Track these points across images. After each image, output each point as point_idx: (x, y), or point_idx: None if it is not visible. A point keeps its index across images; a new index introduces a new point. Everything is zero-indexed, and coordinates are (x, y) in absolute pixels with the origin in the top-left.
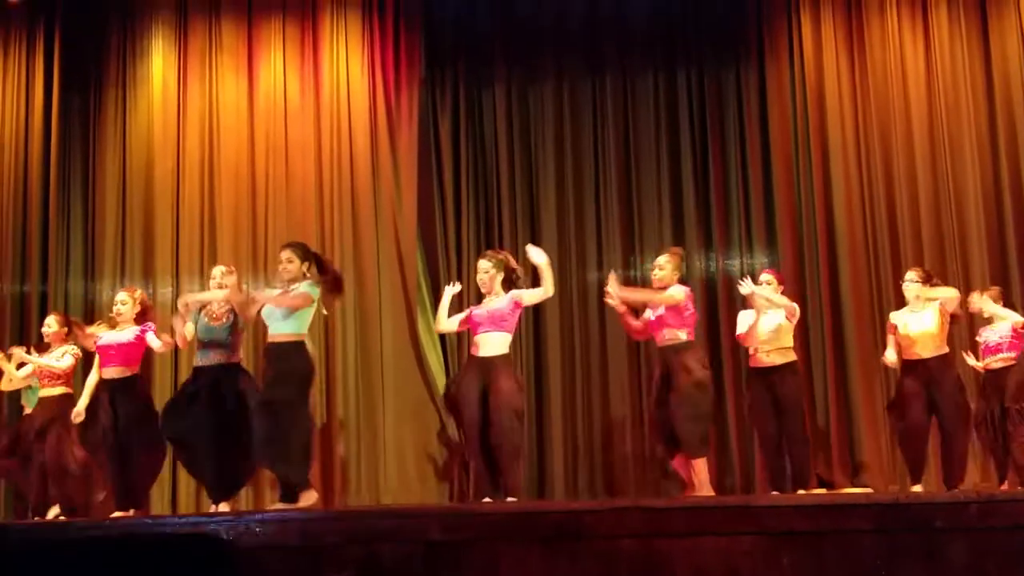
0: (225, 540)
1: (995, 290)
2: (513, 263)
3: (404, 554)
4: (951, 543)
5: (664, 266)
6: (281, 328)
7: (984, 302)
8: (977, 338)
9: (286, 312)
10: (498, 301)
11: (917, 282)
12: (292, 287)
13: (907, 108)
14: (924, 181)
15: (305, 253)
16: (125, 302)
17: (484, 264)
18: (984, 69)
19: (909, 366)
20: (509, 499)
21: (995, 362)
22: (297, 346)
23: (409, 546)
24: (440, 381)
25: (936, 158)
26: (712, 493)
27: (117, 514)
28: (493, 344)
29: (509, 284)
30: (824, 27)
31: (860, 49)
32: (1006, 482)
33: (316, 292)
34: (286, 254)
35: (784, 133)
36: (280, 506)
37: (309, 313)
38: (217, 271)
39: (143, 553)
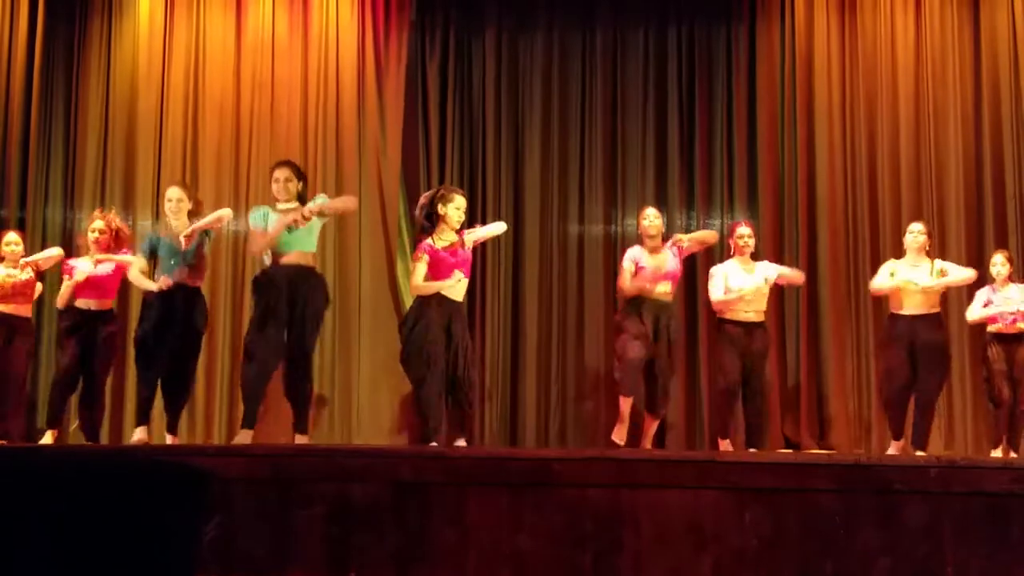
0: (199, 468)
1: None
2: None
3: (373, 494)
4: (909, 506)
5: (656, 219)
6: (302, 246)
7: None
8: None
9: (310, 228)
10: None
11: (925, 234)
12: (290, 204)
13: (894, 76)
14: (906, 150)
15: (300, 172)
16: (103, 231)
17: (463, 203)
18: (973, 41)
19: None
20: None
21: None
22: (316, 271)
23: (378, 486)
24: None
25: (920, 128)
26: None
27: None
28: (462, 290)
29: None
30: None
31: (851, 15)
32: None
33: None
34: (284, 173)
35: (771, 94)
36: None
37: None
38: (173, 192)
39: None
